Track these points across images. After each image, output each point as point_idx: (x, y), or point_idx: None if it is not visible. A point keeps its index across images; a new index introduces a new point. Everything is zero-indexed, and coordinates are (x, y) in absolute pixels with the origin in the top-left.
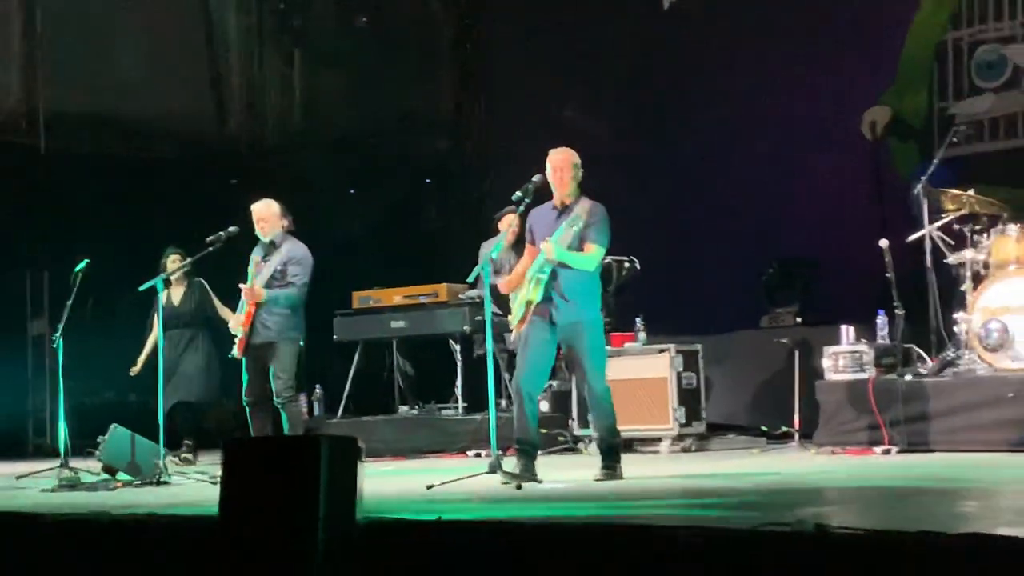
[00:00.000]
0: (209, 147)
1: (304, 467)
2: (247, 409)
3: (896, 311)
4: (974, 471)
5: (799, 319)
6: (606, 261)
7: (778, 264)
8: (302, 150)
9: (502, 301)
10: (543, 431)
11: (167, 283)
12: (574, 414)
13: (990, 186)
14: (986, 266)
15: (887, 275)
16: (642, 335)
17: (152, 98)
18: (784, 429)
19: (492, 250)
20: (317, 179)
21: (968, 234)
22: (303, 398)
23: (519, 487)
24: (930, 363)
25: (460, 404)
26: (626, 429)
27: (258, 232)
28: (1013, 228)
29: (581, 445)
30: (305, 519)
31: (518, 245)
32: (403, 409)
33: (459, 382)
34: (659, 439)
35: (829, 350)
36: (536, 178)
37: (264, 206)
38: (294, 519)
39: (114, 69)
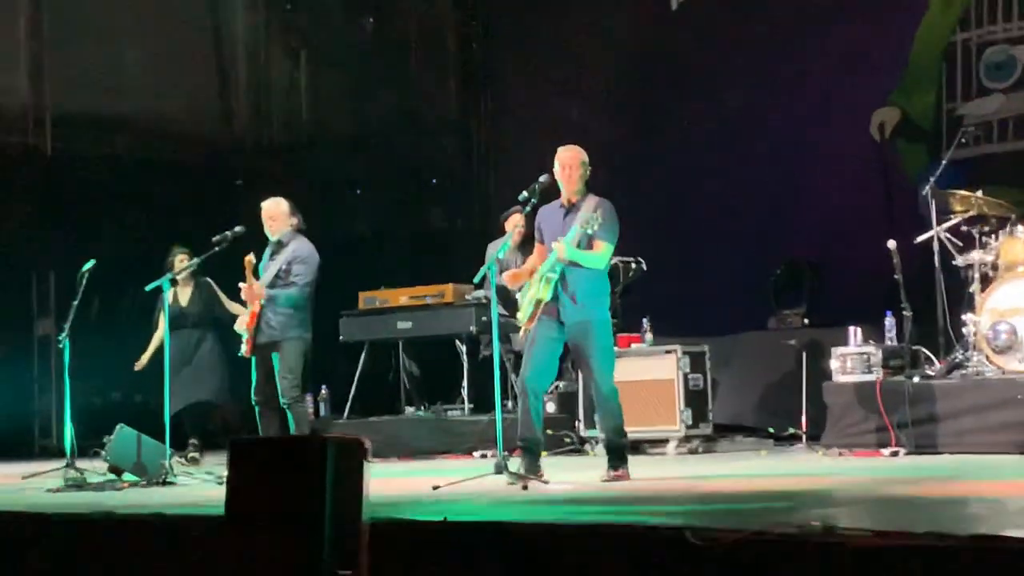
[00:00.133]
0: (215, 148)
1: (311, 467)
2: (256, 409)
3: (904, 312)
4: (982, 473)
5: (806, 320)
6: (613, 262)
7: (785, 265)
8: (308, 150)
9: (509, 302)
10: (549, 432)
11: (173, 283)
12: (581, 415)
13: (999, 187)
14: (995, 267)
15: (895, 276)
16: (649, 336)
17: (158, 99)
18: (791, 431)
19: (498, 250)
20: (323, 179)
21: (977, 235)
22: (309, 398)
23: (525, 487)
24: (938, 365)
25: (466, 405)
26: (633, 430)
27: (267, 230)
28: (1022, 230)
29: (588, 446)
30: (312, 520)
31: (525, 245)
32: (409, 410)
33: (465, 383)
34: (666, 440)
35: (837, 351)
36: (543, 178)
37: (273, 204)
38: (301, 520)
39: (120, 70)
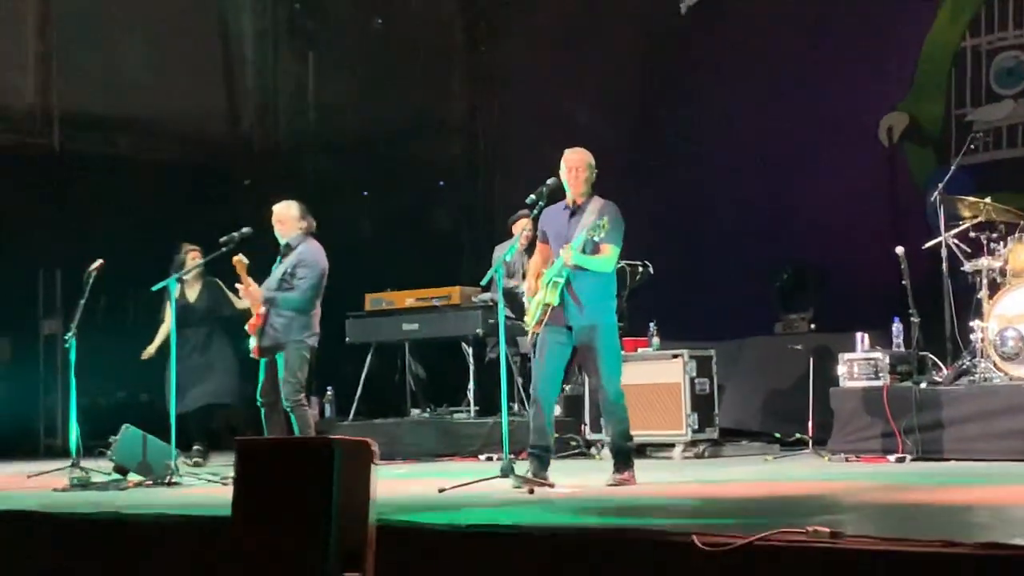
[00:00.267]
0: (222, 148)
1: (318, 469)
2: (261, 410)
3: (912, 318)
4: (989, 480)
5: (813, 325)
6: (619, 266)
7: (792, 269)
8: (315, 152)
9: (515, 305)
10: (555, 436)
11: (180, 282)
12: (587, 418)
13: (1007, 193)
14: (1002, 274)
15: (903, 282)
16: (655, 340)
17: (166, 99)
18: (798, 436)
19: (506, 253)
20: (330, 181)
21: (985, 242)
22: (315, 400)
23: (531, 491)
24: (945, 371)
25: (472, 407)
26: (639, 434)
27: (277, 233)
28: None
29: (594, 450)
30: (318, 522)
31: (532, 248)
32: (415, 412)
33: (471, 385)
34: (672, 445)
35: (844, 357)
36: (550, 181)
37: (283, 207)
38: (307, 521)
39: (128, 70)
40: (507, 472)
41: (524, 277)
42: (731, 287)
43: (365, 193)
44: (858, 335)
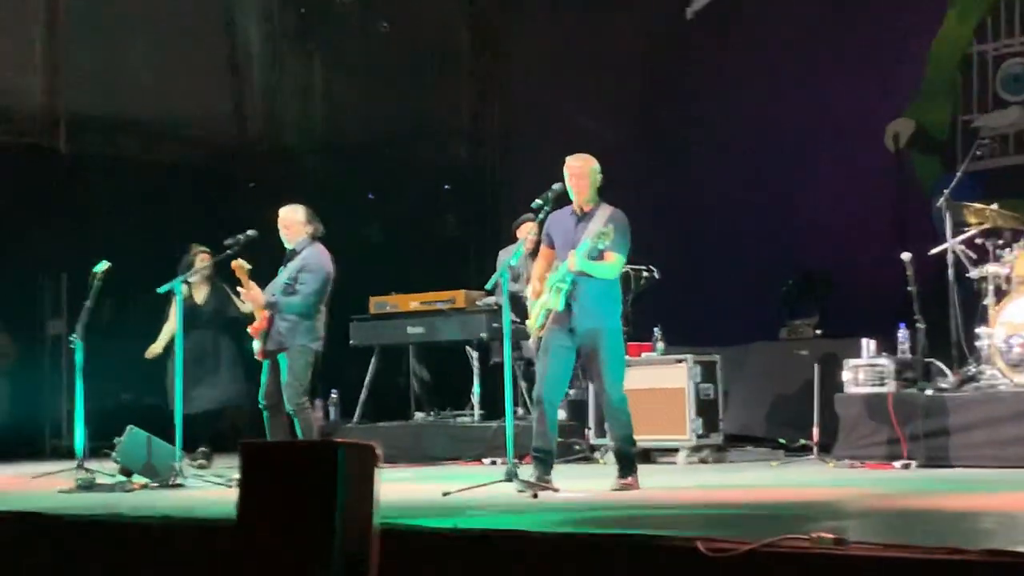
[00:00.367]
0: (228, 151)
1: (322, 472)
2: (264, 413)
3: (917, 325)
4: (995, 487)
5: (818, 331)
6: (624, 270)
7: (798, 275)
8: (321, 155)
9: (520, 308)
10: (559, 440)
11: (187, 284)
12: (591, 423)
13: (1014, 200)
14: (1008, 280)
15: (908, 288)
16: (660, 345)
17: (172, 102)
18: (802, 442)
19: (511, 257)
20: (335, 184)
21: (991, 248)
22: (319, 403)
23: (535, 496)
24: (951, 377)
25: (476, 411)
26: (643, 439)
27: (283, 238)
28: None
29: (597, 454)
30: (322, 525)
31: (537, 253)
32: (419, 415)
33: (475, 389)
34: (676, 450)
35: (849, 363)
36: (556, 186)
37: (289, 212)
38: (311, 524)
39: (134, 73)
40: (511, 476)
41: (528, 281)
42: (736, 292)
43: (370, 196)
44: (864, 341)
